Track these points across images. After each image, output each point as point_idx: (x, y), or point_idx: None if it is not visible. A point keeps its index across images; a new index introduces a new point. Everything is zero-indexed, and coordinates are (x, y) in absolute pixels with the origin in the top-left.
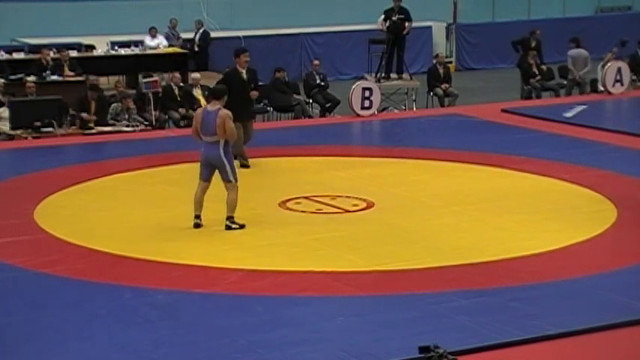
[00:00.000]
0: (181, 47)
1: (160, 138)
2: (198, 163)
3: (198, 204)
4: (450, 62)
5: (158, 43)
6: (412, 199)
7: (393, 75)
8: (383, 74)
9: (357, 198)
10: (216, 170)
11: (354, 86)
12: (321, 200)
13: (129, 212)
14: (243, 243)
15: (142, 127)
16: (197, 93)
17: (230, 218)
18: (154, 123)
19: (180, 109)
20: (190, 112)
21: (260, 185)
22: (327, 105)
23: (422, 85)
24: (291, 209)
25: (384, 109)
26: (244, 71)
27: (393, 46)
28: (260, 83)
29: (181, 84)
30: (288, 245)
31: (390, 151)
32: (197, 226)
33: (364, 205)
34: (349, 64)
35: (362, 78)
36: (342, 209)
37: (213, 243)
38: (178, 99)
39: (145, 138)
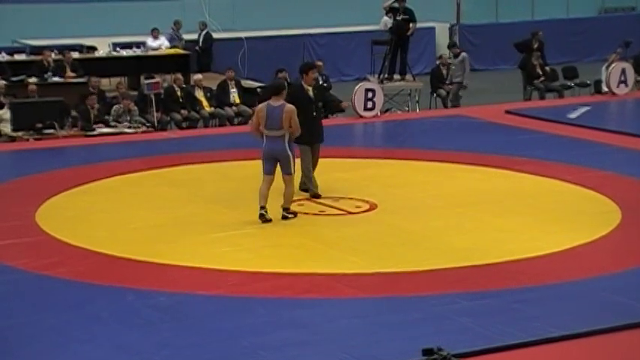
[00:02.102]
0: (184, 48)
1: (162, 140)
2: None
3: (263, 197)
4: None
5: (160, 45)
6: (415, 200)
7: (396, 76)
8: (386, 75)
9: (359, 200)
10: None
11: (356, 87)
12: (324, 202)
13: (131, 214)
14: (246, 245)
15: (144, 128)
16: (199, 94)
17: (287, 209)
18: (155, 124)
19: (182, 111)
20: (193, 113)
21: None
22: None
23: (425, 86)
24: (293, 211)
25: (386, 111)
26: (311, 88)
27: (396, 47)
28: (261, 84)
29: (183, 85)
30: (291, 247)
31: (393, 152)
32: (262, 217)
33: (367, 206)
34: (352, 65)
35: (365, 79)
36: (345, 211)
37: (215, 245)
38: (180, 100)
39: (146, 139)
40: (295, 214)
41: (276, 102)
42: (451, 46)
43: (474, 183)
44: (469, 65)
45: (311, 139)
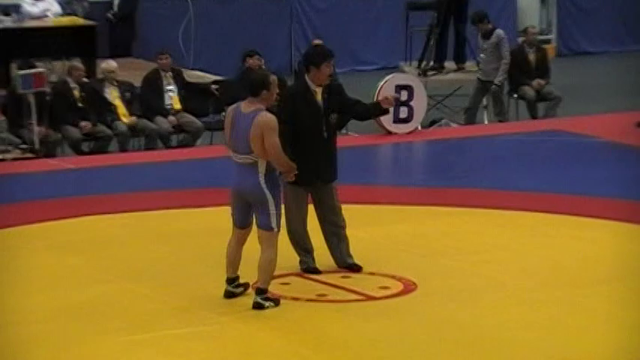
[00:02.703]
0: (86, 17)
1: (49, 172)
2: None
3: (231, 263)
4: (548, 42)
5: (45, 10)
6: (479, 276)
7: (449, 64)
8: (431, 63)
9: (386, 275)
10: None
11: (381, 83)
12: (326, 279)
13: (2, 301)
14: (193, 353)
15: (17, 153)
16: (112, 94)
17: (262, 292)
18: (37, 146)
19: (84, 123)
20: (101, 127)
21: (225, 253)
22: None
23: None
24: (274, 294)
25: (433, 123)
26: (320, 91)
27: (449, 16)
28: (219, 78)
29: (85, 80)
30: (272, 356)
31: (442, 194)
32: (230, 295)
33: (399, 287)
34: (374, 46)
35: (395, 69)
36: (362, 294)
37: (141, 352)
38: (80, 105)
39: (22, 172)
40: (277, 300)
41: (249, 107)
42: (478, 20)
43: (581, 247)
44: (508, 50)
45: (315, 176)
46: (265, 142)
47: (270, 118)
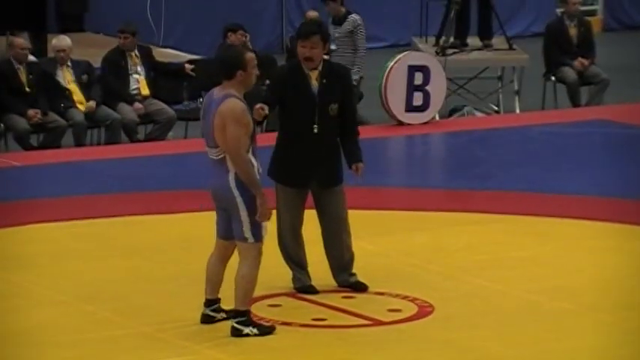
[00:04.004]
0: None
1: None
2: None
3: (210, 282)
4: (593, 14)
5: None
6: (509, 297)
7: (473, 40)
8: (451, 39)
9: (397, 296)
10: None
11: (391, 63)
12: (323, 300)
13: None
14: None
15: None
16: (66, 77)
17: (237, 314)
18: None
19: (32, 111)
20: (53, 115)
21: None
22: None
23: (532, 61)
24: (262, 319)
25: (453, 112)
26: (315, 75)
27: None
28: (195, 58)
29: (33, 59)
30: None
31: (465, 198)
32: (207, 320)
33: (413, 309)
34: (381, 18)
35: (408, 46)
36: (368, 318)
37: None
38: (26, 90)
39: None
40: (261, 327)
41: (221, 92)
42: None
43: (635, 262)
44: (364, 40)
45: (307, 178)
46: (227, 130)
47: (235, 106)
